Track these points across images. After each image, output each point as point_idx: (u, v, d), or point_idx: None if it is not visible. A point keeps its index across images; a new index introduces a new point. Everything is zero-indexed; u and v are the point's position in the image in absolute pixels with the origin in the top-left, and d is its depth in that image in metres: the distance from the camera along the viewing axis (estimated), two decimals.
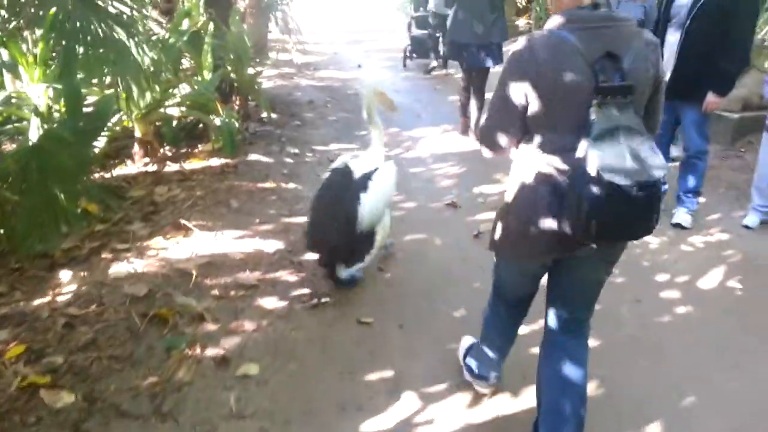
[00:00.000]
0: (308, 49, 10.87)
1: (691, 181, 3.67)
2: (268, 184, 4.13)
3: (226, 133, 4.26)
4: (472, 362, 2.18)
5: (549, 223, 1.57)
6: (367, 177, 2.74)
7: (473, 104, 5.40)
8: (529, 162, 1.62)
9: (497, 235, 1.78)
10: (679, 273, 3.19)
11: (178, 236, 3.24)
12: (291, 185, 4.18)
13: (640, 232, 1.54)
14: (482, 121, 1.69)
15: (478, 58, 5.18)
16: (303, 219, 3.66)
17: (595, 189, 1.40)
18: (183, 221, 3.35)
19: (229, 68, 5.33)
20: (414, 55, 9.20)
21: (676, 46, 3.43)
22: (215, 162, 4.38)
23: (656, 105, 1.64)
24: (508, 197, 1.72)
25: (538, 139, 1.59)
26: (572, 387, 1.79)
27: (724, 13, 3.25)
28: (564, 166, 1.53)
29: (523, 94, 1.54)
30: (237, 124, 4.91)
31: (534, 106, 1.54)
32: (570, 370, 1.79)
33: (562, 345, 1.85)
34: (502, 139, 1.65)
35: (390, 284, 3.01)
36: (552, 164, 1.56)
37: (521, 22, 12.03)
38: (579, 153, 1.47)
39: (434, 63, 9.02)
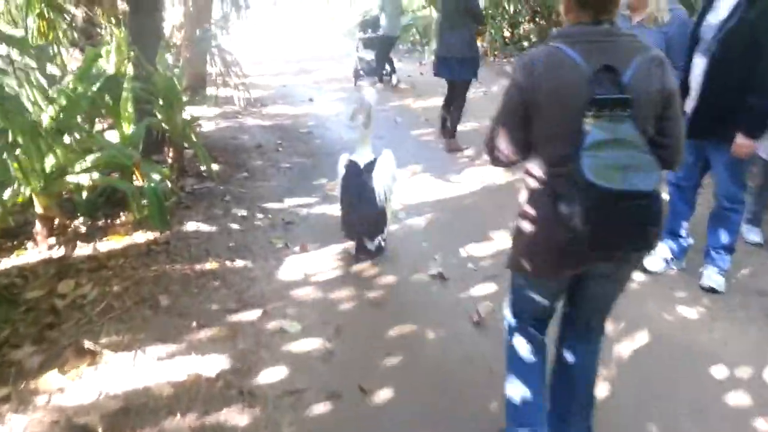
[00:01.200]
0: (254, 83, 10.04)
1: (724, 237, 3.06)
2: (209, 265, 3.29)
3: (153, 201, 3.40)
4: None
5: (554, 237, 1.57)
6: (372, 165, 3.31)
7: (453, 113, 6.08)
8: (533, 175, 1.65)
9: (512, 251, 1.78)
10: (735, 361, 2.55)
11: (82, 365, 2.36)
12: (239, 263, 3.36)
13: (635, 243, 1.55)
14: (489, 134, 1.69)
15: (457, 70, 5.69)
16: (256, 312, 2.86)
17: (586, 196, 1.43)
18: (88, 344, 2.47)
19: (159, 116, 4.49)
20: (363, 74, 9.57)
21: (701, 75, 2.84)
22: (140, 238, 3.51)
23: (670, 123, 1.59)
24: (519, 211, 1.73)
25: (539, 151, 1.62)
26: (580, 392, 1.91)
27: (755, 37, 2.67)
28: (562, 177, 1.52)
29: (522, 107, 1.57)
30: (170, 184, 4.07)
31: (533, 119, 1.57)
32: (579, 374, 1.90)
33: (573, 349, 1.91)
34: (507, 152, 1.67)
35: (377, 415, 2.23)
36: (552, 176, 1.58)
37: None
38: (572, 164, 1.45)
39: (394, 80, 9.34)
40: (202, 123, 6.64)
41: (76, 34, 6.27)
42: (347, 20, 16.17)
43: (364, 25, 9.94)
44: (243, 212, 4.07)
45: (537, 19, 11.66)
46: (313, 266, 3.37)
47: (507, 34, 12.05)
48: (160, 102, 4.40)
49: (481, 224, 3.97)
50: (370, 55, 9.43)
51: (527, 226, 1.67)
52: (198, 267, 3.24)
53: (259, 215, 4.08)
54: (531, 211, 1.66)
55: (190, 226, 3.76)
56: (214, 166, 4.96)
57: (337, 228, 3.88)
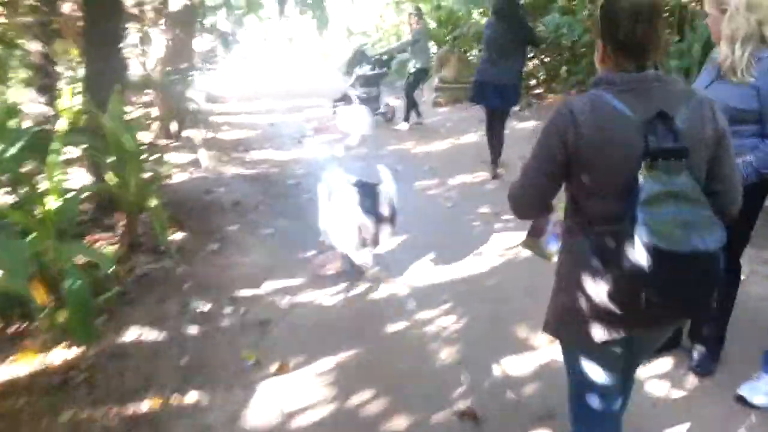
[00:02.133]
0: (239, 122, 9.28)
1: None
2: (147, 403, 2.35)
3: (75, 307, 2.47)
4: None
5: (602, 298, 1.43)
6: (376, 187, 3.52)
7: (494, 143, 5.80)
8: (576, 232, 1.52)
9: (552, 315, 1.63)
10: None
11: None
12: (190, 396, 2.42)
13: (694, 308, 1.45)
14: (515, 184, 1.58)
15: (496, 98, 5.55)
16: None
17: (643, 257, 1.28)
18: None
19: (110, 177, 3.62)
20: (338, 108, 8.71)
21: None
22: (58, 356, 2.57)
23: (722, 165, 1.45)
24: (557, 271, 1.61)
25: (583, 206, 1.49)
26: None
27: None
28: (612, 235, 1.39)
29: (561, 160, 1.44)
30: (112, 268, 3.15)
31: (577, 173, 1.44)
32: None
33: None
34: (535, 204, 1.60)
35: None
36: (599, 233, 1.44)
37: None
38: (627, 219, 1.32)
39: (403, 125, 8.49)
40: (173, 172, 5.78)
41: (30, 73, 5.44)
42: (340, 56, 15.54)
43: (377, 62, 8.98)
44: (205, 306, 3.15)
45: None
46: (295, 398, 2.45)
47: None
48: (110, 161, 3.54)
49: (513, 321, 3.07)
50: (373, 92, 8.67)
51: (568, 287, 1.55)
52: (130, 409, 2.29)
53: (227, 309, 3.16)
54: (572, 271, 1.53)
55: (131, 332, 2.82)
56: (178, 235, 4.07)
57: (328, 332, 2.98)
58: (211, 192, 5.32)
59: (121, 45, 4.60)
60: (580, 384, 1.65)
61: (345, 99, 9.00)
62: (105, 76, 4.17)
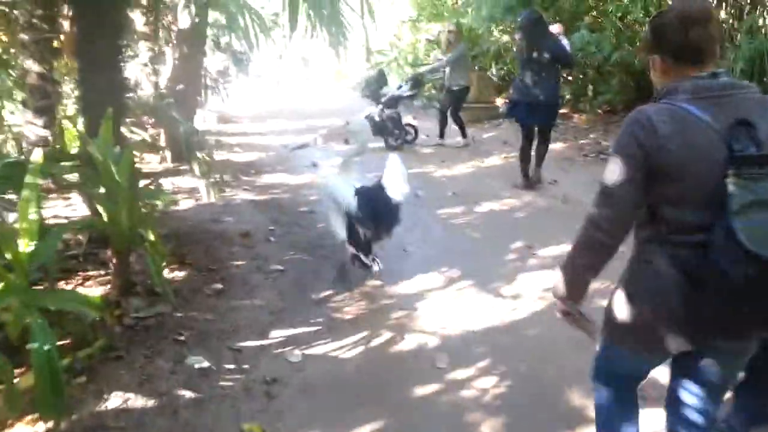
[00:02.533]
0: (251, 143, 8.95)
1: None
2: None
3: (43, 375, 2.04)
4: None
5: (682, 312, 1.40)
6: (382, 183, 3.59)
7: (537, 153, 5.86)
8: (653, 243, 1.48)
9: (613, 322, 1.57)
10: None
11: None
12: None
13: None
14: (594, 209, 1.49)
15: (529, 116, 5.58)
16: None
17: (744, 268, 1.25)
18: None
19: (101, 211, 3.22)
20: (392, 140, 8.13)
21: None
22: None
23: None
24: (626, 281, 1.55)
25: (663, 218, 1.44)
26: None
27: None
28: (694, 245, 1.36)
29: (642, 167, 1.39)
30: (99, 316, 2.72)
31: (659, 182, 1.40)
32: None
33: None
34: (625, 219, 1.47)
35: None
36: (678, 243, 1.42)
37: (500, 101, 10.52)
38: (717, 230, 1.30)
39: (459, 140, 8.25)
40: (179, 199, 5.39)
41: (26, 93, 5.10)
42: (355, 77, 15.29)
43: (414, 82, 8.58)
44: (203, 362, 2.70)
45: None
46: None
47: None
48: (100, 193, 3.15)
49: (564, 384, 2.58)
50: (396, 113, 8.23)
51: (641, 299, 1.49)
52: None
53: (228, 366, 2.71)
54: (647, 283, 1.48)
55: (114, 399, 2.37)
56: (177, 273, 3.65)
57: (346, 395, 2.53)
58: (218, 221, 4.91)
59: (120, 64, 4.25)
60: (610, 370, 1.68)
61: (367, 119, 8.57)
62: (101, 98, 3.81)
